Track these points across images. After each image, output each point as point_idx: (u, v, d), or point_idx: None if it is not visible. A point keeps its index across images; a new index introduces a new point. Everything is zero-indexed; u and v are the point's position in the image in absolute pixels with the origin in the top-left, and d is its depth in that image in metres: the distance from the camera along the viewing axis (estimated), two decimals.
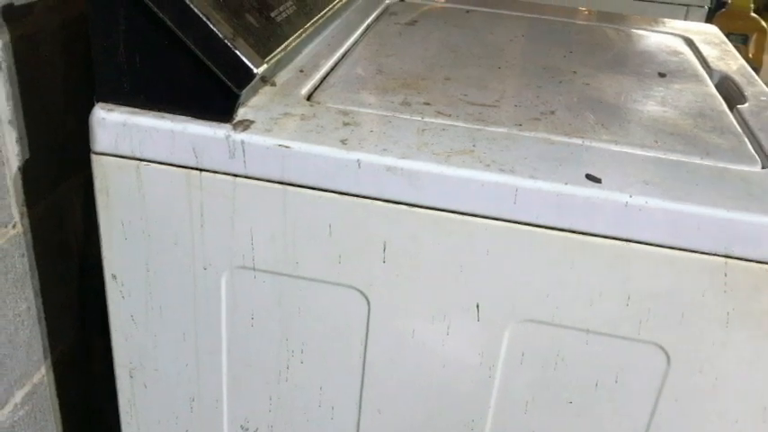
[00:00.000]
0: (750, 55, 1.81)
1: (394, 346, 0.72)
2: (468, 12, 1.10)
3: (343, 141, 0.65)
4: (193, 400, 0.79)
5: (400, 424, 0.76)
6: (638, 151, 0.69)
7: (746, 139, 0.73)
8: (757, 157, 0.69)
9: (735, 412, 0.69)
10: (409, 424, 0.76)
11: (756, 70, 0.95)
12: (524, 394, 0.72)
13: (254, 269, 0.70)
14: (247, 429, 0.80)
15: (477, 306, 0.68)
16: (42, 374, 0.90)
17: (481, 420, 0.74)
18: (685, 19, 1.45)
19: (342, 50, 0.86)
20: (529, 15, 1.11)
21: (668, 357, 0.67)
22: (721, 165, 0.68)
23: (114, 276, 0.74)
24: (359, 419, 0.76)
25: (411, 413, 0.75)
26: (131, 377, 0.80)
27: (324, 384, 0.76)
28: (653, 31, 1.07)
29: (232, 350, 0.75)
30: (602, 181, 0.62)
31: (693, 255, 0.62)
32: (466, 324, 0.69)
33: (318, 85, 0.76)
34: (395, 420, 0.76)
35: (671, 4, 1.46)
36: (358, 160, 0.63)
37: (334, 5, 0.91)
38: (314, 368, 0.75)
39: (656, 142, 0.71)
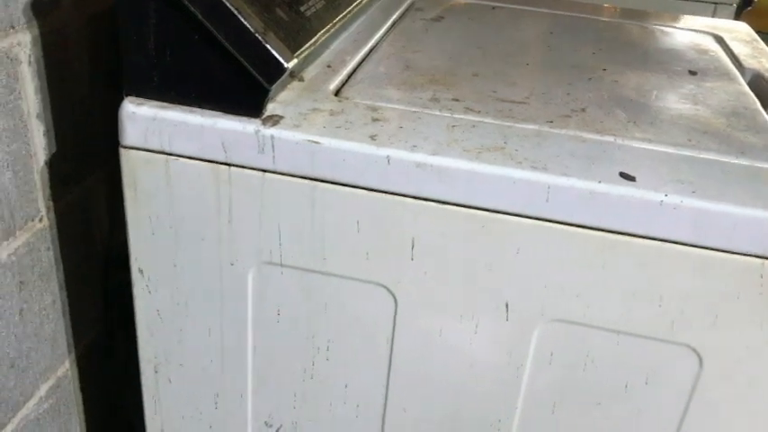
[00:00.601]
0: None
1: (421, 344, 0.71)
2: (493, 8, 1.09)
3: (373, 137, 0.64)
4: (218, 395, 0.79)
5: (426, 422, 0.75)
6: (672, 150, 0.68)
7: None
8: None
9: (767, 417, 0.67)
10: (435, 422, 0.75)
11: None
12: (552, 395, 0.71)
13: (281, 265, 0.69)
14: (271, 426, 0.80)
15: (507, 305, 0.67)
16: (66, 368, 0.90)
17: (508, 420, 0.73)
18: (713, 16, 1.43)
19: (368, 46, 0.86)
20: (555, 12, 1.09)
21: (701, 360, 0.66)
22: (757, 164, 0.66)
23: (141, 271, 0.74)
24: (384, 417, 0.76)
25: (437, 411, 0.75)
26: (156, 372, 0.80)
27: (349, 382, 0.75)
28: (682, 28, 1.06)
29: (257, 346, 0.75)
30: (637, 179, 0.61)
31: (728, 255, 0.61)
32: (494, 323, 0.68)
33: (346, 81, 0.76)
34: (420, 418, 0.75)
35: (698, 1, 1.44)
36: (388, 156, 0.63)
37: (361, 1, 0.91)
38: (339, 365, 0.74)
39: (690, 141, 0.70)
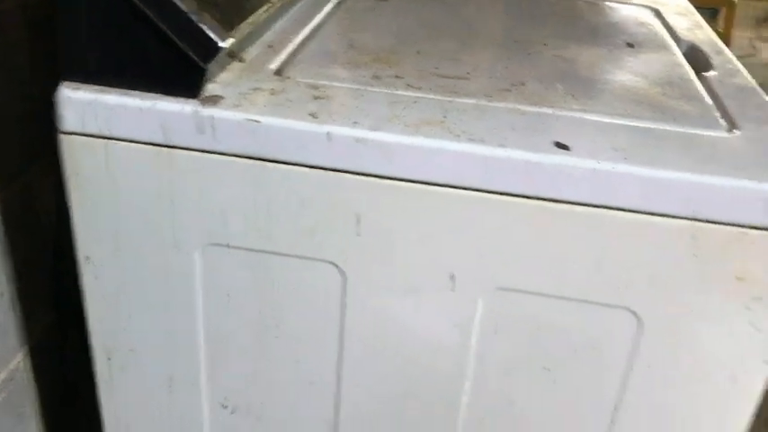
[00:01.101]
0: (720, 29, 1.83)
1: (371, 320, 0.72)
2: None
3: (313, 114, 0.65)
4: (171, 379, 0.79)
5: (379, 396, 0.77)
6: (607, 119, 0.69)
7: (713, 106, 0.74)
8: (723, 122, 0.70)
9: (705, 376, 0.70)
10: (388, 396, 0.76)
11: (726, 44, 0.96)
12: (501, 363, 0.73)
13: (227, 246, 0.70)
14: (227, 407, 0.80)
15: (452, 276, 0.68)
16: (19, 360, 0.89)
17: (459, 390, 0.74)
18: None
19: (312, 26, 0.86)
20: None
21: (641, 322, 0.68)
22: (689, 130, 0.68)
23: (87, 258, 0.74)
24: (338, 394, 0.77)
25: (390, 386, 0.76)
26: (109, 359, 0.79)
27: (301, 360, 0.76)
28: (623, 2, 1.08)
29: (208, 328, 0.75)
30: (571, 148, 0.63)
31: (662, 219, 0.63)
32: (441, 295, 0.69)
33: (288, 61, 0.76)
34: (374, 393, 0.76)
35: None
36: (328, 133, 0.63)
37: None
38: (291, 344, 0.75)
39: (625, 110, 0.71)
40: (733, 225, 0.62)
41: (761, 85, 0.81)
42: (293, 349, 0.75)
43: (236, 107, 0.65)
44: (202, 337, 0.75)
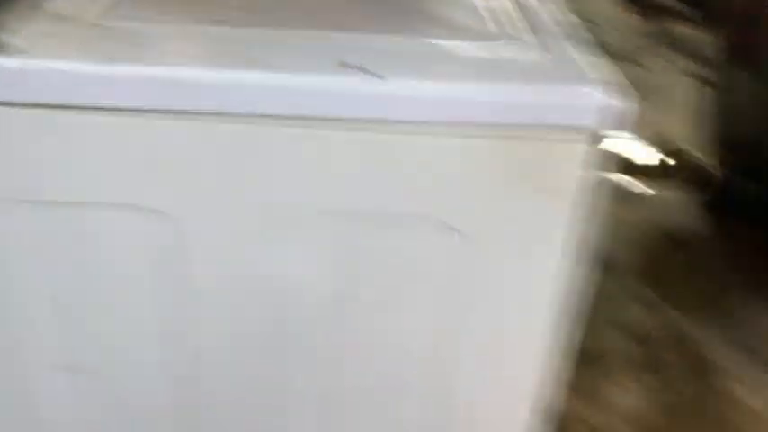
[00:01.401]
0: None
1: (207, 263, 0.72)
2: None
3: (106, 58, 0.64)
4: (3, 346, 0.77)
5: (235, 339, 0.78)
6: (394, 38, 0.71)
7: (487, 17, 0.77)
8: (497, 32, 0.74)
9: (516, 287, 0.74)
10: (233, 336, 0.77)
11: None
12: (326, 291, 0.74)
13: (37, 201, 0.68)
14: (74, 369, 0.79)
15: (271, 205, 0.69)
16: None
17: (295, 321, 0.76)
18: None
19: None
20: None
21: (461, 235, 0.70)
22: (464, 43, 0.71)
23: None
24: (198, 350, 0.77)
25: (238, 327, 0.77)
26: None
27: (146, 316, 0.75)
28: None
29: (35, 290, 0.73)
30: (355, 68, 0.64)
31: (462, 131, 0.65)
32: (261, 227, 0.70)
33: (102, 11, 0.74)
34: (224, 336, 0.77)
35: None
36: (120, 74, 0.63)
37: None
38: (125, 298, 0.74)
39: (413, 30, 0.73)
40: (534, 139, 0.65)
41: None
42: (136, 309, 0.75)
43: (28, 55, 0.63)
44: (31, 300, 0.73)
